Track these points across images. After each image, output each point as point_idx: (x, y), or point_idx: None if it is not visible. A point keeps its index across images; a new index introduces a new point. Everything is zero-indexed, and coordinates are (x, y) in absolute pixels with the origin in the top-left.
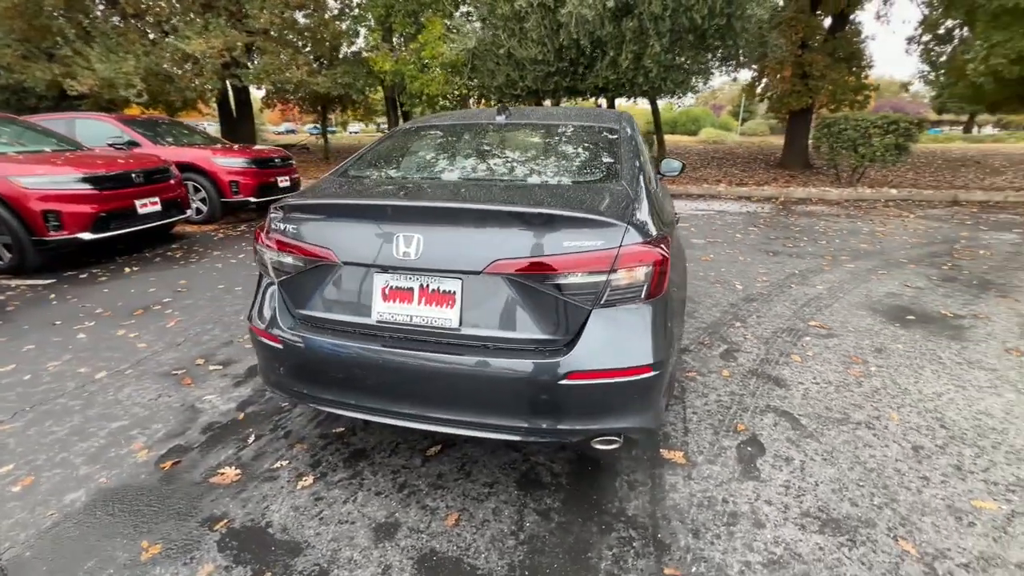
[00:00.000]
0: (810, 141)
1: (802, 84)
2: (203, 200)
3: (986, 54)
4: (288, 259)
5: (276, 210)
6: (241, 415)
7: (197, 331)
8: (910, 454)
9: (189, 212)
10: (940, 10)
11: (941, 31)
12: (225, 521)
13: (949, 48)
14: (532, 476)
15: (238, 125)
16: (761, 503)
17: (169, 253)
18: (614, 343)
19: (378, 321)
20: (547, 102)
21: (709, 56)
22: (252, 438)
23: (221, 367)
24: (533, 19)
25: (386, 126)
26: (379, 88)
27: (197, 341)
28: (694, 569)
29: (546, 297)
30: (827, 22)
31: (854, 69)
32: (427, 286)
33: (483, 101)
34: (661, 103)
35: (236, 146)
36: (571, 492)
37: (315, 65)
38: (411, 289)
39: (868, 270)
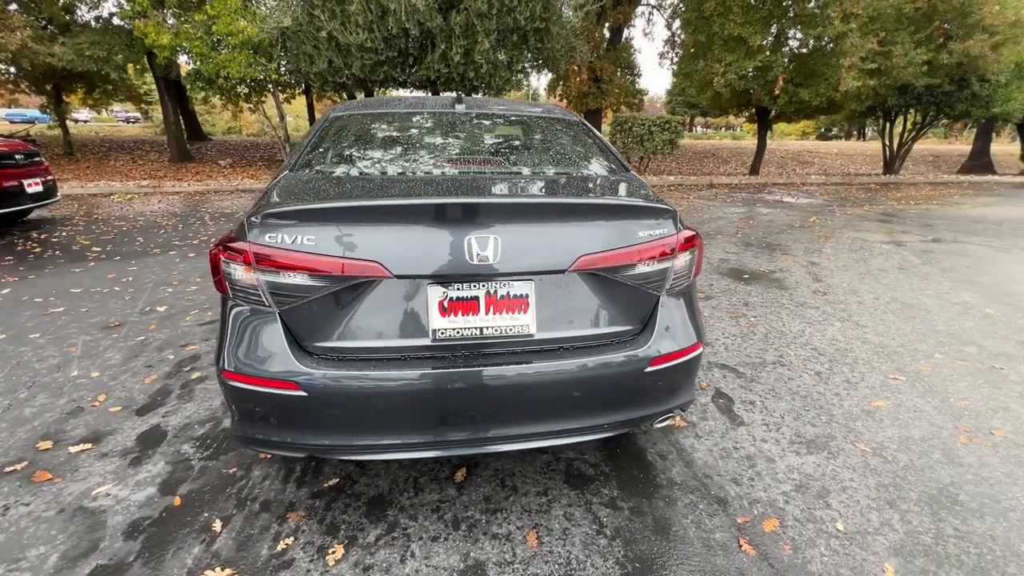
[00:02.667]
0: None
1: (596, 87)
2: None
3: (724, 71)
4: (299, 279)
5: (269, 219)
6: (176, 500)
7: (6, 405)
8: (817, 379)
9: None
10: (689, 33)
11: (692, 49)
12: None
13: (700, 64)
14: (576, 473)
15: None
16: (760, 443)
17: None
18: (677, 325)
19: (435, 340)
20: (376, 92)
21: (530, 56)
22: (218, 524)
23: (89, 445)
24: (357, 2)
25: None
26: (145, 65)
27: (16, 420)
28: (755, 512)
29: (622, 289)
30: (609, 36)
31: (628, 77)
32: (495, 293)
33: (291, 89)
34: None
35: None
36: (620, 477)
37: (43, 30)
38: (476, 298)
39: None
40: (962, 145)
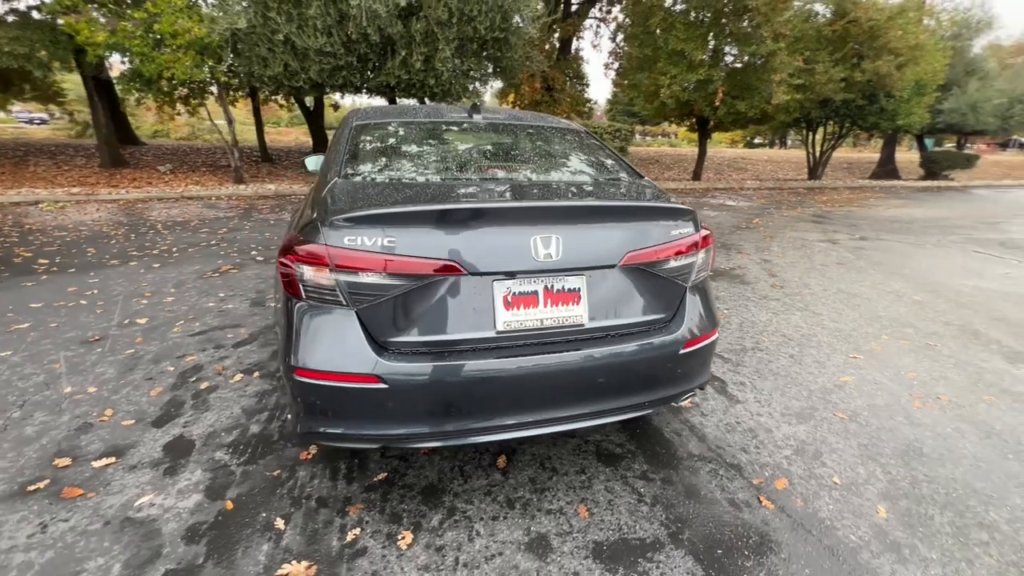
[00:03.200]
0: None
1: (548, 95)
2: None
3: (669, 82)
4: (378, 279)
5: (347, 223)
6: (228, 503)
7: (1, 425)
8: (792, 361)
9: None
10: (636, 46)
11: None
12: None
13: (645, 75)
14: (606, 452)
15: None
16: (756, 417)
17: None
18: (701, 313)
19: (500, 332)
20: (337, 96)
21: (489, 65)
22: (280, 522)
23: (113, 459)
24: (316, 6)
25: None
26: (72, 63)
27: (20, 439)
28: (766, 474)
29: (657, 281)
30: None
31: (578, 86)
32: (551, 287)
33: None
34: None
35: None
36: (645, 454)
37: None
38: (535, 292)
39: None
40: (869, 153)
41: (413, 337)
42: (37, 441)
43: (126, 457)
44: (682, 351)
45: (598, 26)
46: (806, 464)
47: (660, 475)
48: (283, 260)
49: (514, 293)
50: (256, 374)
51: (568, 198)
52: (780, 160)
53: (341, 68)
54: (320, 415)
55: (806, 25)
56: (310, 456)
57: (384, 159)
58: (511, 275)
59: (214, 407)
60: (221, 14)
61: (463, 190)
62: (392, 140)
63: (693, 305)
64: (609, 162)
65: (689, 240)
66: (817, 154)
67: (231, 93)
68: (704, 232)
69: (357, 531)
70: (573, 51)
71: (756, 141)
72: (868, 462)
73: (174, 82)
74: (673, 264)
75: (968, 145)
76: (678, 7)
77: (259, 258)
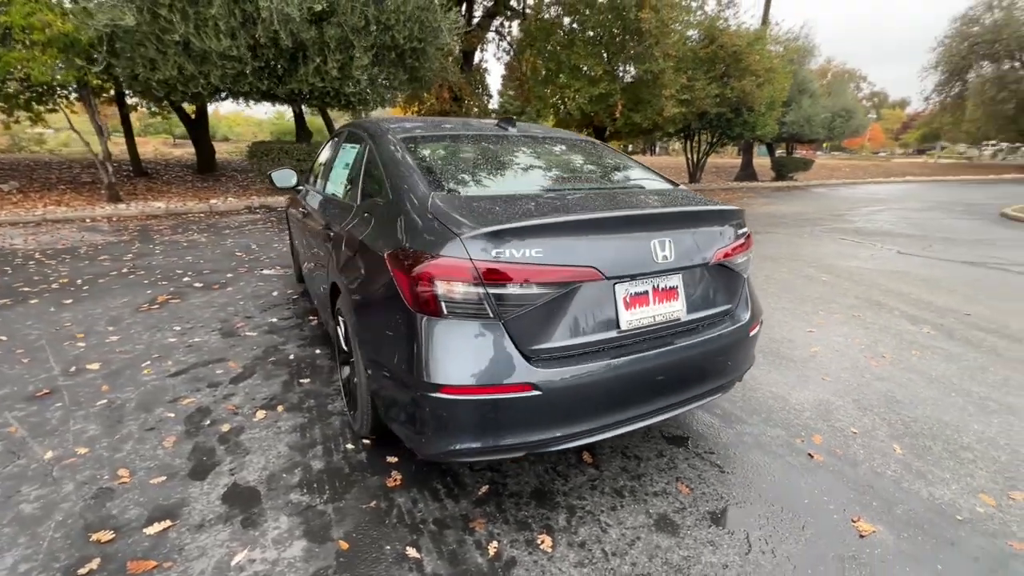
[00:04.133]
0: None
1: (456, 105)
2: None
3: (574, 95)
4: (525, 289)
5: (490, 236)
6: (342, 543)
7: None
8: (769, 340)
9: None
10: (541, 61)
11: (543, 75)
12: None
13: (548, 88)
14: (671, 436)
15: None
16: (770, 389)
17: None
18: (755, 300)
19: (622, 331)
20: (240, 103)
21: (406, 75)
22: (411, 551)
23: (168, 522)
24: (218, 5)
25: None
26: None
27: (23, 520)
28: (803, 433)
29: (729, 274)
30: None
31: (484, 97)
32: (658, 286)
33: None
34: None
35: None
36: (701, 434)
37: None
38: (646, 292)
39: None
40: (728, 159)
41: (555, 343)
42: (49, 519)
43: (184, 517)
44: (750, 334)
45: (499, 40)
46: (825, 421)
47: (723, 450)
48: (418, 276)
49: (631, 294)
50: (280, 408)
51: (672, 205)
52: (663, 165)
53: (247, 74)
54: (460, 431)
55: (685, 47)
56: (399, 483)
57: (460, 173)
58: (633, 277)
59: (254, 449)
60: (95, 5)
61: (570, 198)
62: (451, 154)
63: (749, 294)
64: (648, 172)
65: (747, 237)
66: (695, 160)
67: (94, 99)
68: (746, 230)
69: (495, 544)
70: (477, 63)
71: (630, 148)
72: (866, 413)
73: (27, 84)
74: (740, 259)
75: (796, 151)
76: (576, 26)
77: (197, 284)
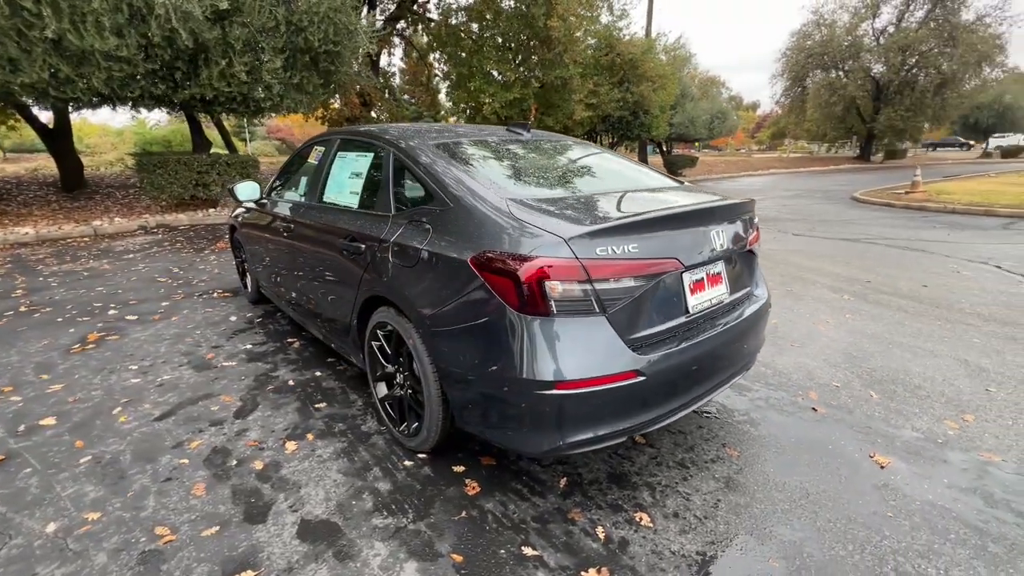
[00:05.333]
0: None
1: (366, 111)
2: None
3: (490, 100)
4: (626, 283)
5: (592, 236)
6: (456, 556)
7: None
8: None
9: None
10: (453, 66)
11: (455, 79)
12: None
13: (462, 93)
14: (700, 410)
15: None
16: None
17: None
18: (764, 280)
19: (690, 315)
20: (129, 109)
21: (320, 79)
22: (528, 549)
23: (251, 571)
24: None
25: None
26: None
27: None
28: (799, 390)
29: (751, 258)
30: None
31: (393, 102)
32: (710, 272)
33: None
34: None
35: None
36: (719, 405)
37: None
38: (703, 278)
39: None
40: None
41: (646, 331)
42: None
43: (266, 564)
44: (769, 309)
45: (404, 45)
46: (811, 380)
47: (746, 414)
48: (519, 280)
49: (694, 280)
50: (310, 436)
51: (723, 200)
52: None
53: (138, 77)
54: (574, 425)
55: (589, 55)
56: (478, 490)
57: (511, 177)
58: (697, 265)
59: (304, 482)
60: None
61: (623, 197)
62: (491, 159)
63: (761, 274)
64: (657, 173)
65: (758, 225)
66: None
67: None
68: None
69: (601, 529)
70: (384, 67)
71: None
72: (838, 369)
73: None
74: (757, 245)
75: (675, 150)
76: (486, 33)
77: (130, 317)
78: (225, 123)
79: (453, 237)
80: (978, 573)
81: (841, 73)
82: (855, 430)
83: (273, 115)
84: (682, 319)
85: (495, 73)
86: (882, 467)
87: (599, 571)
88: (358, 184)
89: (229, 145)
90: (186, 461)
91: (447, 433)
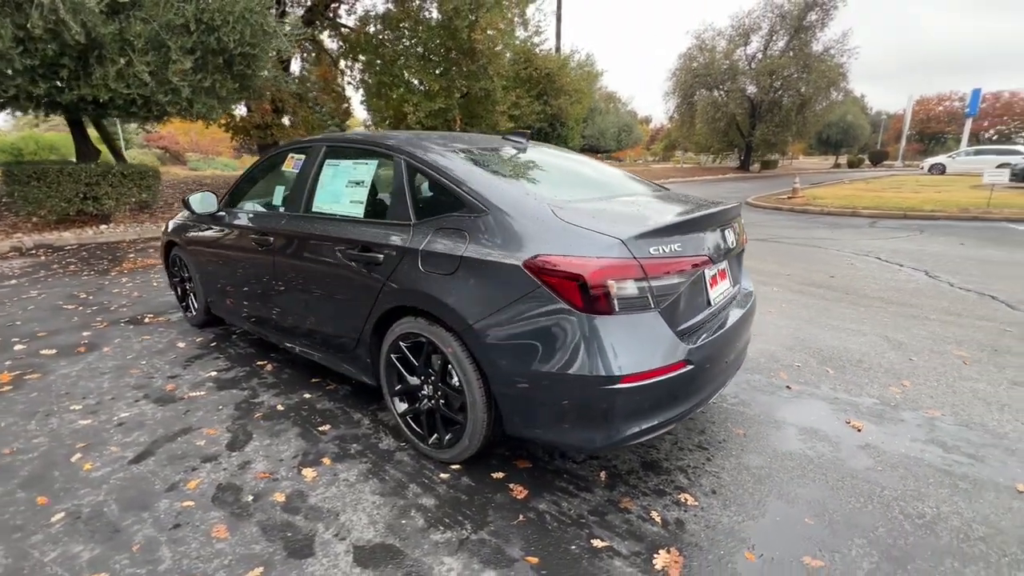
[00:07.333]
0: None
1: (277, 117)
2: None
3: (414, 109)
4: (674, 279)
5: (646, 237)
6: (532, 559)
7: None
8: None
9: None
10: (373, 73)
11: (378, 87)
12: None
13: (383, 101)
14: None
15: None
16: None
17: None
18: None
19: (711, 307)
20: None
21: (235, 84)
22: (597, 541)
23: None
24: None
25: None
26: None
27: None
28: (771, 372)
29: (740, 257)
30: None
31: (311, 106)
32: (720, 268)
33: None
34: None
35: None
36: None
37: None
38: (715, 274)
39: None
40: None
41: (687, 323)
42: None
43: None
44: (754, 300)
45: (317, 52)
46: (777, 362)
47: (736, 397)
48: (596, 279)
49: (711, 275)
50: (326, 460)
51: (727, 205)
52: None
53: (13, 75)
54: (636, 416)
55: (509, 67)
56: (526, 493)
57: (538, 182)
58: (713, 261)
59: (340, 508)
60: None
61: (646, 201)
62: (510, 166)
63: (744, 271)
64: (641, 179)
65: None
66: None
67: None
68: None
69: (655, 513)
70: (298, 72)
71: None
72: (794, 351)
73: None
74: (746, 244)
75: None
76: (406, 42)
77: (48, 352)
78: (107, 128)
79: (496, 242)
80: (959, 505)
81: (723, 92)
82: (826, 401)
83: (185, 119)
84: (708, 311)
85: (416, 82)
86: (859, 430)
87: (669, 551)
88: (361, 192)
89: (116, 154)
90: (191, 503)
91: (489, 440)
